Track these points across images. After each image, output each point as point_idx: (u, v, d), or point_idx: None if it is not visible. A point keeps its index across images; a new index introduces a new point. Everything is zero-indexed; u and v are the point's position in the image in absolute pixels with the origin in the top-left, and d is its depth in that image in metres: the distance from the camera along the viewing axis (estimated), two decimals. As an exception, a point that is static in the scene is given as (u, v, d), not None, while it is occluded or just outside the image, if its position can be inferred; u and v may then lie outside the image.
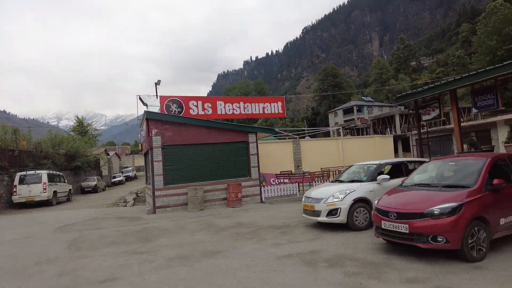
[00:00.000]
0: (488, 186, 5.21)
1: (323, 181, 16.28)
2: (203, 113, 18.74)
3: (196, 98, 19.09)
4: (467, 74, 8.93)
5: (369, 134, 45.67)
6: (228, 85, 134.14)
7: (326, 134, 57.82)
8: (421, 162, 8.22)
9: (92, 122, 43.13)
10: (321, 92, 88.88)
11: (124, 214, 13.77)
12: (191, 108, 18.61)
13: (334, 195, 7.60)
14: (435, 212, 4.90)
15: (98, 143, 44.99)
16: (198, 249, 6.92)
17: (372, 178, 7.89)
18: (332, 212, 7.49)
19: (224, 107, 19.39)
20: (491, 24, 49.27)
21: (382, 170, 8.37)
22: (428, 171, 6.62)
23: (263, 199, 14.20)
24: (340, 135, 49.66)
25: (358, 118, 56.57)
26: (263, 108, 20.45)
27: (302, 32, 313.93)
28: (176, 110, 18.16)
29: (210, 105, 19.15)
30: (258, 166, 14.49)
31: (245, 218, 10.37)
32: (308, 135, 37.22)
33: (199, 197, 12.70)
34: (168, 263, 6.00)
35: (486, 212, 5.05)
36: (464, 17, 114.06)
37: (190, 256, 6.40)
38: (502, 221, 5.24)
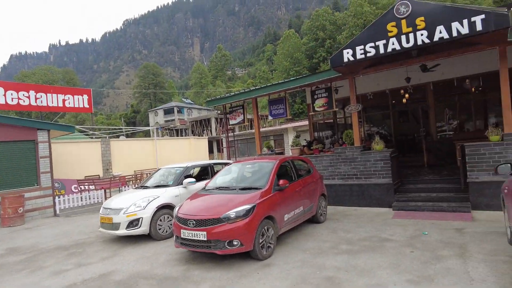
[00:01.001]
0: (276, 187, 5.70)
1: (136, 185, 15.07)
2: (-32, 101, 14.00)
3: (-42, 81, 14.05)
4: (265, 85, 10.01)
5: (188, 136, 46.84)
6: (27, 69, 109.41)
7: (148, 134, 55.65)
8: (227, 164, 8.53)
9: None
10: (142, 90, 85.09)
11: None
12: None
13: (135, 204, 6.81)
14: (231, 216, 4.93)
15: None
16: None
17: (179, 182, 7.56)
18: (133, 223, 6.68)
19: (5, 95, 15.15)
20: (286, 48, 60.09)
21: (190, 173, 8.20)
22: (230, 173, 6.82)
23: (58, 212, 11.74)
24: (161, 135, 48.63)
25: (178, 119, 57.13)
26: (64, 100, 17.24)
27: (123, 24, 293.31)
28: None
29: (-19, 91, 14.52)
30: (51, 172, 11.88)
31: (24, 240, 8.10)
32: (126, 134, 34.40)
33: (-50, 217, 9.16)
34: None
35: (274, 210, 5.49)
36: (269, 38, 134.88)
37: None
38: (286, 217, 5.85)
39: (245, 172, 6.64)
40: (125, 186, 14.50)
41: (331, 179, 9.16)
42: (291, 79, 9.42)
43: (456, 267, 4.28)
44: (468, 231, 5.76)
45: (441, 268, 4.27)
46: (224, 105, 11.47)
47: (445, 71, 10.39)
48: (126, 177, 16.34)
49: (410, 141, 16.35)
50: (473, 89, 11.46)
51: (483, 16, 6.07)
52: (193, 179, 7.60)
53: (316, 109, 9.41)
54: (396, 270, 4.34)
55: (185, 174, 7.85)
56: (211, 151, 39.41)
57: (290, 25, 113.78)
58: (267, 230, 5.27)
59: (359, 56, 7.38)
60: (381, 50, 7.11)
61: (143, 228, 6.69)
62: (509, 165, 4.48)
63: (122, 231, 6.66)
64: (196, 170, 8.78)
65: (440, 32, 6.43)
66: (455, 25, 6.29)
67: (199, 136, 43.86)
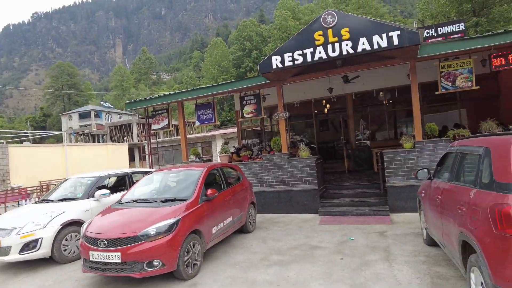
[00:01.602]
0: (203, 197, 5.23)
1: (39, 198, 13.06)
2: None
3: None
4: (192, 89, 9.50)
5: (107, 142, 43.21)
6: None
7: (60, 140, 49.85)
8: (148, 173, 7.76)
9: None
10: (54, 91, 76.39)
11: None
12: None
13: (34, 221, 5.68)
14: (151, 233, 4.30)
15: None
16: None
17: (89, 195, 6.56)
18: (30, 245, 5.54)
19: None
20: (213, 56, 60.00)
21: (105, 183, 7.23)
22: (151, 183, 6.13)
23: None
24: (75, 141, 43.89)
25: (95, 124, 52.49)
26: None
27: (32, 18, 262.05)
28: None
29: None
30: None
31: None
32: (33, 140, 30.32)
33: None
34: None
35: (201, 224, 5.01)
36: (196, 45, 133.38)
37: None
38: (214, 229, 5.41)
39: (168, 181, 6.03)
40: (26, 200, 12.45)
41: (260, 186, 8.99)
42: (220, 83, 9.09)
43: (384, 271, 4.32)
44: (389, 234, 6.02)
45: (370, 274, 4.27)
46: (146, 108, 10.60)
47: (365, 83, 11.11)
48: (29, 189, 14.14)
49: (331, 149, 17.32)
50: (385, 101, 12.52)
51: (398, 32, 6.52)
52: (107, 191, 6.66)
53: (245, 115, 9.20)
54: (329, 280, 4.21)
55: (98, 185, 6.87)
56: (132, 159, 36.89)
57: (217, 33, 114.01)
58: (193, 246, 4.76)
59: (287, 63, 7.36)
60: (309, 58, 7.19)
61: (43, 251, 5.59)
62: (426, 170, 4.74)
63: (14, 257, 5.46)
64: (112, 181, 7.81)
65: (363, 44, 6.74)
66: (375, 38, 6.65)
67: (118, 142, 40.72)
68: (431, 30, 18.15)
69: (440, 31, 17.81)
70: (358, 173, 11.36)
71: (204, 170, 5.71)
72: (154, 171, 6.81)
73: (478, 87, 7.51)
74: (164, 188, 5.83)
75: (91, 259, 4.38)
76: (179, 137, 31.18)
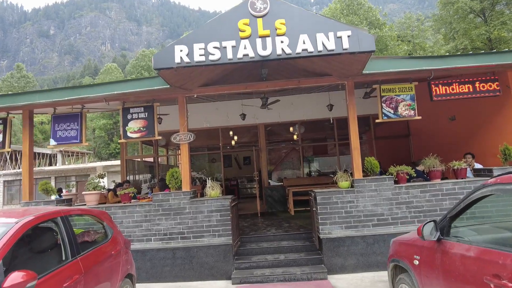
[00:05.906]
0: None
1: None
2: None
3: None
4: (49, 88, 6.26)
5: None
6: None
7: None
8: None
9: None
10: None
11: None
12: None
13: None
14: None
15: None
16: None
17: None
18: None
19: None
20: (106, 81, 54.66)
21: None
22: None
23: None
24: None
25: None
26: None
27: None
28: None
29: None
30: None
31: None
32: None
33: None
34: None
35: None
36: (88, 71, 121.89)
37: None
38: None
39: None
40: None
41: (145, 242, 6.05)
42: (91, 84, 6.17)
43: None
44: (348, 321, 3.89)
45: None
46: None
47: (280, 113, 9.58)
48: None
49: (235, 186, 15.10)
50: (296, 135, 11.20)
51: (349, 32, 4.93)
52: None
53: (129, 134, 6.32)
54: None
55: None
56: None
57: (114, 61, 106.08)
58: None
59: (197, 58, 5.01)
60: (229, 55, 5.00)
61: None
62: (432, 223, 2.83)
63: None
64: None
65: (304, 43, 4.92)
66: (320, 37, 4.92)
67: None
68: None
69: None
70: (273, 216, 9.35)
71: (16, 227, 2.66)
72: None
73: (420, 117, 6.46)
74: None
75: None
76: (47, 168, 24.70)
